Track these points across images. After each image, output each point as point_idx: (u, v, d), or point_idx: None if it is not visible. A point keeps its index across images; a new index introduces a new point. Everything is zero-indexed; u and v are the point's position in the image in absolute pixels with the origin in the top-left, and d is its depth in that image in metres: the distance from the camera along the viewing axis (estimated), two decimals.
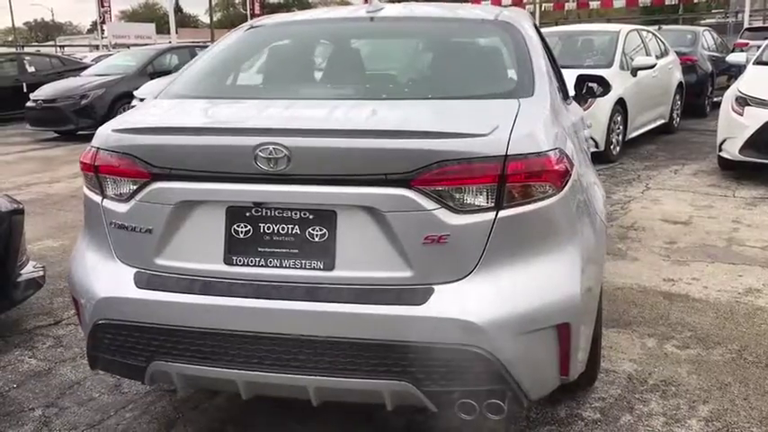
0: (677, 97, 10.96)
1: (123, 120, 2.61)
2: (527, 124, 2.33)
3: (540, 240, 2.30)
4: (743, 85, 7.62)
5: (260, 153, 2.21)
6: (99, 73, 13.97)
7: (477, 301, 2.19)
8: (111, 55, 17.93)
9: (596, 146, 8.19)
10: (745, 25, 22.45)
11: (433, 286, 2.21)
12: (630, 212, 6.30)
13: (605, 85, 4.72)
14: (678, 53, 11.45)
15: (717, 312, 4.02)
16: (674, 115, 10.96)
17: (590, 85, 4.62)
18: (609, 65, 8.75)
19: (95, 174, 2.48)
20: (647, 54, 9.85)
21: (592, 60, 8.96)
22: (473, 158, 2.18)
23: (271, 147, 2.20)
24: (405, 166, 2.17)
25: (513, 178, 2.21)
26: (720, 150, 7.57)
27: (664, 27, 13.53)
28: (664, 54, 10.68)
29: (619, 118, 8.65)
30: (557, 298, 2.28)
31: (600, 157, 8.30)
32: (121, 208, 2.42)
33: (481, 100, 2.59)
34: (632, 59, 9.19)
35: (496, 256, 2.22)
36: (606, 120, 8.27)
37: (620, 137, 8.80)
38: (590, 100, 7.39)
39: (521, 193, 2.23)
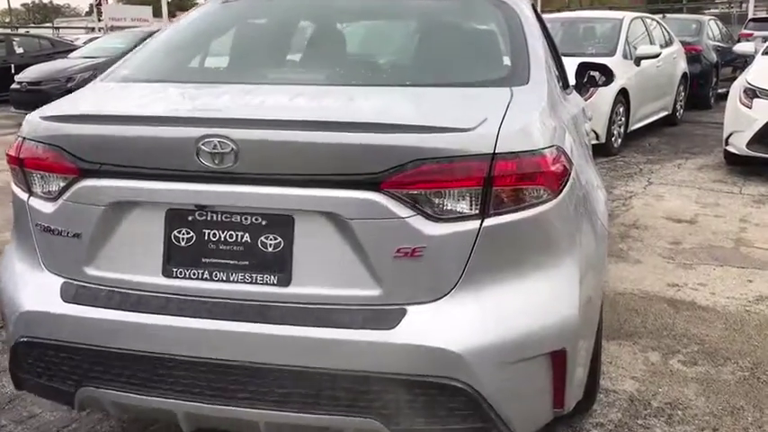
0: (681, 88, 10.59)
1: (56, 105, 2.27)
2: (519, 117, 1.99)
3: (533, 253, 1.97)
4: (752, 76, 7.26)
5: (203, 147, 1.87)
6: (86, 55, 13.58)
7: (458, 326, 1.87)
8: (99, 37, 17.53)
9: (597, 138, 7.84)
10: (750, 15, 22.03)
11: (406, 307, 1.88)
12: (632, 209, 5.97)
13: (608, 74, 4.39)
14: (683, 42, 11.07)
15: (726, 323, 3.70)
16: (678, 107, 10.61)
17: (592, 73, 4.28)
18: (611, 53, 8.39)
19: (21, 168, 2.14)
20: (652, 43, 9.48)
21: (594, 48, 8.60)
22: (455, 157, 1.85)
23: (215, 140, 1.87)
24: (373, 166, 1.84)
25: (501, 181, 1.88)
26: (727, 144, 7.22)
27: (668, 16, 13.15)
28: (668, 43, 10.31)
29: (621, 109, 8.30)
30: (551, 321, 1.96)
31: (600, 150, 7.94)
32: (48, 208, 2.08)
33: (468, 88, 2.25)
34: (636, 48, 8.82)
35: (481, 271, 1.89)
36: (608, 111, 7.92)
37: (622, 129, 8.46)
38: (591, 90, 7.06)
39: (510, 199, 1.90)
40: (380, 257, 1.86)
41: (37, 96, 12.33)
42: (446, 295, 1.88)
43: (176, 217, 1.97)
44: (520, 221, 1.91)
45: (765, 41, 8.74)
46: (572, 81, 4.44)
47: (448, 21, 2.86)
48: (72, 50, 15.52)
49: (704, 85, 11.90)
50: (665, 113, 10.09)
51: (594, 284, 2.25)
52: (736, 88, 7.26)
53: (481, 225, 1.87)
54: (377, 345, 1.84)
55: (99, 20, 35.41)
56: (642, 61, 8.72)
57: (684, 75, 10.67)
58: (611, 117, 8.00)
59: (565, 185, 2.03)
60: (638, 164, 7.90)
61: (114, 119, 2.04)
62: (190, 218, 1.96)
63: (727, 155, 7.35)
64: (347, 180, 1.85)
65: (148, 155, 1.95)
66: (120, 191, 1.98)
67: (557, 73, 3.17)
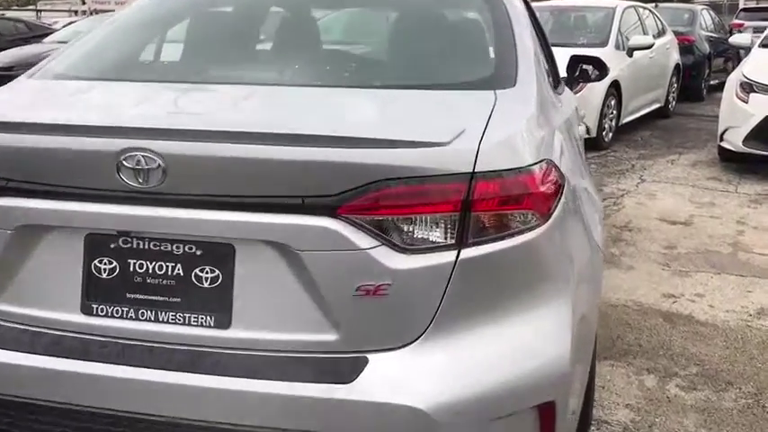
0: (674, 80, 10.31)
1: None
2: (504, 128, 1.70)
3: (519, 288, 1.68)
4: (748, 69, 6.98)
5: (125, 162, 1.56)
6: (62, 40, 13.09)
7: (428, 378, 1.57)
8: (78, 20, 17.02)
9: (588, 132, 7.56)
10: (741, 5, 21.78)
11: (368, 355, 1.58)
12: (624, 209, 5.69)
13: (602, 68, 4.09)
14: (675, 33, 10.78)
15: (726, 340, 3.43)
16: (671, 99, 10.33)
17: (584, 67, 3.97)
18: (604, 44, 8.09)
19: None
20: (645, 33, 9.18)
21: (585, 38, 8.29)
22: (426, 177, 1.55)
23: (138, 154, 1.55)
24: (328, 187, 1.53)
25: (481, 205, 1.58)
26: (722, 140, 6.94)
27: (660, 5, 12.84)
28: (661, 33, 10.02)
29: (612, 102, 8.01)
30: (539, 369, 1.66)
31: (591, 145, 7.66)
32: None
33: (445, 91, 1.94)
34: (628, 39, 8.53)
35: (457, 311, 1.60)
36: (599, 104, 7.62)
37: (614, 122, 8.17)
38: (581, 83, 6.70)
39: (492, 225, 1.61)
40: (337, 296, 1.56)
41: (8, 82, 11.93)
42: (415, 341, 1.59)
43: (97, 244, 1.66)
44: (503, 252, 1.62)
45: (755, 32, 8.48)
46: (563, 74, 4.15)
47: (424, 11, 2.53)
48: (49, 34, 15.03)
49: (697, 76, 11.61)
50: (658, 106, 9.81)
51: (589, 317, 1.97)
52: (733, 81, 6.97)
53: (458, 257, 1.58)
54: (332, 402, 1.54)
55: (83, 2, 34.69)
56: (635, 52, 8.43)
57: (677, 66, 10.39)
58: (602, 110, 7.71)
59: (556, 206, 1.73)
60: (629, 159, 7.62)
61: (23, 127, 1.71)
62: (112, 245, 1.65)
63: (722, 151, 7.07)
64: (297, 204, 1.54)
65: (63, 171, 1.64)
66: (30, 213, 1.67)
67: (548, 69, 2.87)
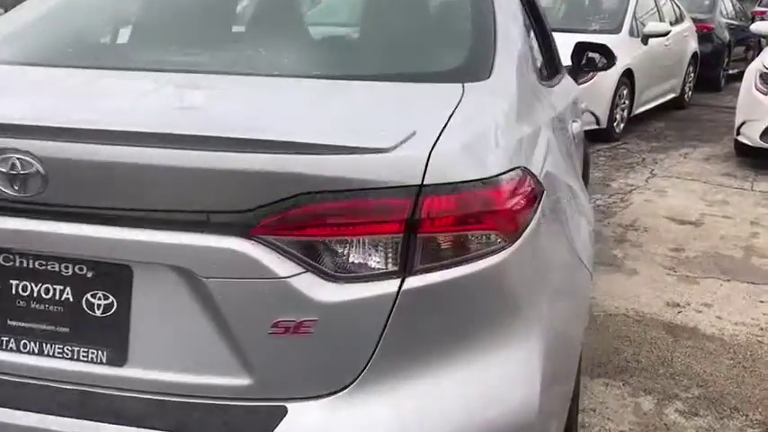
0: (691, 69, 9.91)
1: None
2: (467, 128, 1.42)
3: (477, 325, 1.40)
4: None
5: None
6: None
7: None
8: None
9: (597, 122, 7.23)
10: None
11: (287, 404, 1.31)
12: (631, 206, 5.38)
13: (609, 57, 3.78)
14: (694, 19, 10.36)
15: (734, 358, 3.13)
16: (687, 89, 9.93)
17: (591, 55, 3.67)
18: (617, 30, 7.72)
19: None
20: (661, 19, 8.79)
21: (598, 24, 7.91)
22: (362, 191, 1.26)
23: (14, 156, 1.28)
24: (240, 201, 1.26)
25: (431, 225, 1.30)
26: (738, 134, 6.59)
27: None
28: (679, 20, 9.61)
29: (625, 91, 7.66)
30: (501, 420, 1.39)
31: (601, 136, 7.35)
32: None
33: (404, 83, 1.65)
34: (644, 25, 8.15)
35: (399, 353, 1.33)
36: (610, 93, 7.27)
37: (626, 112, 7.82)
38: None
39: (445, 249, 1.33)
40: (250, 333, 1.29)
41: None
42: (346, 388, 1.31)
43: None
44: (458, 281, 1.34)
45: None
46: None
47: None
48: None
49: (715, 65, 11.20)
50: (673, 95, 9.42)
51: (568, 351, 1.69)
52: (752, 72, 6.59)
53: (401, 287, 1.30)
54: None
55: None
56: (650, 39, 8.05)
57: (695, 54, 9.99)
58: (613, 100, 7.36)
59: (528, 224, 1.45)
60: (641, 152, 7.27)
61: None
62: None
63: (738, 145, 6.72)
64: (201, 221, 1.27)
65: None
66: None
67: (543, 58, 2.57)
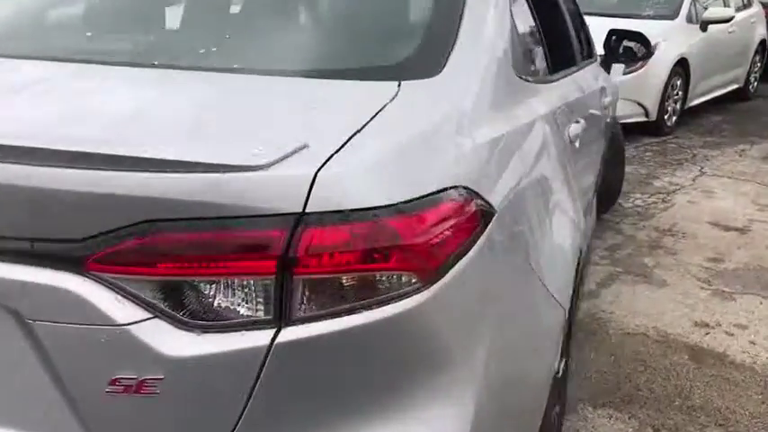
0: (757, 58, 9.25)
1: None
2: (383, 139, 1.15)
3: (381, 384, 1.13)
4: None
5: None
6: None
7: None
8: None
9: (646, 115, 6.76)
10: None
11: None
12: (672, 208, 4.96)
13: (647, 45, 3.42)
14: (763, 4, 9.66)
15: (764, 392, 2.76)
16: (752, 79, 9.28)
17: (627, 44, 3.33)
18: (673, 16, 7.19)
19: None
20: (726, 4, 8.19)
21: (653, 9, 7.39)
22: (223, 219, 1.01)
23: None
24: (71, 228, 1.02)
25: (316, 262, 1.04)
26: None
27: None
28: (747, 5, 8.96)
29: (678, 82, 7.13)
30: None
31: (650, 129, 6.88)
32: None
33: (323, 80, 1.38)
34: (705, 9, 7.58)
35: (272, 420, 1.07)
36: (662, 84, 6.77)
37: (679, 105, 7.30)
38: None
39: (335, 293, 1.06)
40: (85, 390, 1.05)
41: None
42: None
43: None
44: (353, 332, 1.07)
45: None
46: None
47: None
48: None
49: None
50: (736, 86, 8.81)
51: (519, 409, 1.40)
52: None
53: (274, 340, 1.04)
54: None
55: None
56: (709, 26, 7.49)
57: (762, 42, 9.32)
58: (664, 91, 6.86)
59: (459, 259, 1.17)
60: (692, 147, 6.78)
61: None
62: None
63: None
64: (24, 249, 1.03)
65: None
66: None
67: (543, 49, 2.25)
